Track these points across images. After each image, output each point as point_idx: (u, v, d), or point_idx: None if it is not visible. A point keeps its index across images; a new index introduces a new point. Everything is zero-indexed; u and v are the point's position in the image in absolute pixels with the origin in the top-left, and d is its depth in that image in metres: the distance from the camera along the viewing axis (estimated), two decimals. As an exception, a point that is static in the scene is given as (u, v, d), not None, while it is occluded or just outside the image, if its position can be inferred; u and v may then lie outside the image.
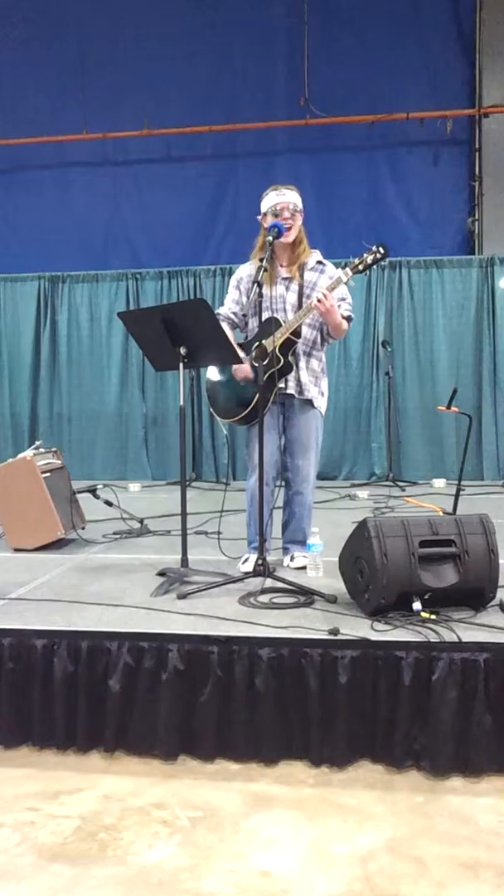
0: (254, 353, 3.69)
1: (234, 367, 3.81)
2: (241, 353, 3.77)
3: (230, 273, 7.45)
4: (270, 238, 3.57)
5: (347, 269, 3.69)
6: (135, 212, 8.36)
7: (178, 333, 3.53)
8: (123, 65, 8.19)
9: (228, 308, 3.96)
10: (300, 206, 3.77)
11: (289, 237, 3.74)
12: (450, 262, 7.43)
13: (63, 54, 8.25)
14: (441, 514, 4.59)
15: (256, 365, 3.57)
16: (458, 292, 7.38)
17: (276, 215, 3.71)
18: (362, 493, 6.40)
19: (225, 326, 3.82)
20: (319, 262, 3.86)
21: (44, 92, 8.31)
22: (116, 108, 8.17)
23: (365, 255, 3.71)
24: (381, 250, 3.68)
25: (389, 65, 7.79)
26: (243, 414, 3.83)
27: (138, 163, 8.32)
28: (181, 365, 3.56)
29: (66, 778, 2.70)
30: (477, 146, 7.87)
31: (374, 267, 3.82)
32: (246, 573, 3.55)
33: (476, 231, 7.87)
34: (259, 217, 3.80)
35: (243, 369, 3.78)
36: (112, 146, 8.29)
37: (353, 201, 7.93)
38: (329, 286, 3.66)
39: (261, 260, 3.53)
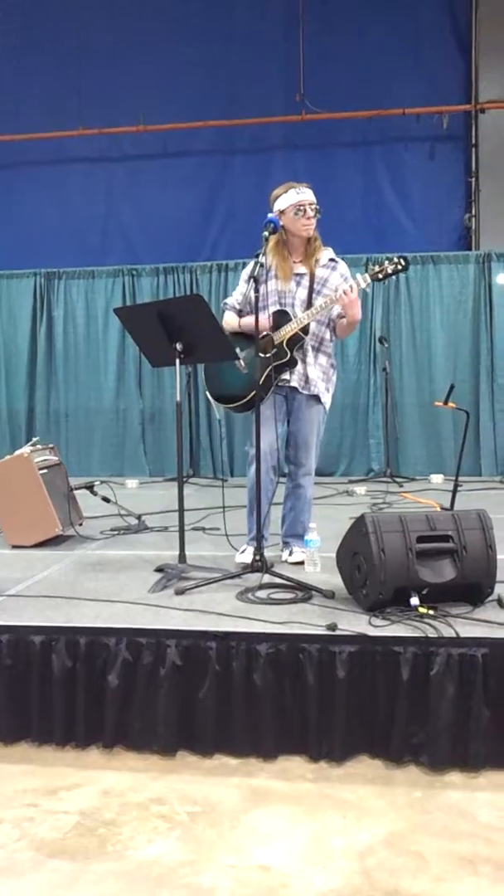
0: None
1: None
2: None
3: (227, 269, 7.50)
4: (266, 234, 3.55)
5: (366, 276, 3.70)
6: (131, 208, 8.33)
7: (175, 329, 3.53)
8: (120, 61, 8.16)
9: (235, 300, 3.97)
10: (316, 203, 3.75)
11: (308, 233, 3.76)
12: (447, 258, 7.41)
13: (60, 51, 8.23)
14: (439, 509, 4.59)
15: (262, 356, 3.56)
16: (455, 288, 7.36)
17: (298, 212, 3.68)
18: (360, 489, 6.40)
19: (231, 315, 3.88)
20: (332, 260, 3.86)
21: (40, 88, 8.28)
22: (113, 104, 8.15)
23: (386, 263, 3.72)
24: (403, 262, 3.68)
25: (386, 60, 7.77)
26: (241, 402, 3.83)
27: (134, 159, 8.30)
28: (178, 361, 3.56)
29: (65, 774, 2.70)
30: (473, 142, 7.86)
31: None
32: (243, 564, 3.54)
33: (473, 227, 7.86)
34: (274, 215, 3.68)
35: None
36: (108, 142, 8.27)
37: (349, 197, 7.89)
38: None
39: (258, 256, 3.52)
